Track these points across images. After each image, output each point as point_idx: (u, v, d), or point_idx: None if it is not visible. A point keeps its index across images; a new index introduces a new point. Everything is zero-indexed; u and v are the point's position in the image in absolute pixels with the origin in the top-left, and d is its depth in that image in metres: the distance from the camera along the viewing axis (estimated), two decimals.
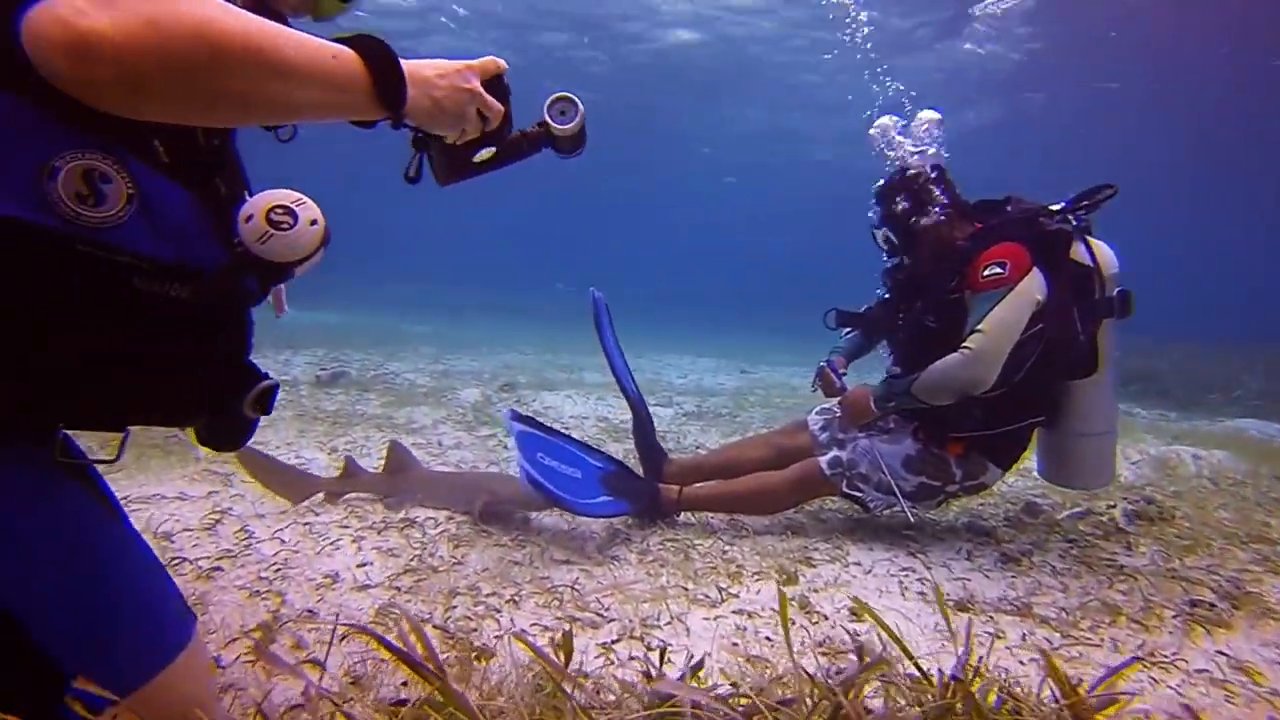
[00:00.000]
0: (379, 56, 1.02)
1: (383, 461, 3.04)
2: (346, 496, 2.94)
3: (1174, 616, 2.15)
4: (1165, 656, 1.89)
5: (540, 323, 15.06)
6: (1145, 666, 1.84)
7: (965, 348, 2.49)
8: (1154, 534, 2.90)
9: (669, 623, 1.97)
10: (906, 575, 2.42)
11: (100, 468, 1.18)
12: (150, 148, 1.03)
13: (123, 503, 2.59)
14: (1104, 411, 2.75)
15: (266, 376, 1.21)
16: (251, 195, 1.13)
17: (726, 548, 2.63)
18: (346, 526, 2.60)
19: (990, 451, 2.74)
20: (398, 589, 2.12)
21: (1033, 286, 2.51)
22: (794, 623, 2.01)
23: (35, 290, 0.94)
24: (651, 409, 3.52)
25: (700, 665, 1.51)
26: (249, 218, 1.06)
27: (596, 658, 1.78)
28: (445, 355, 8.42)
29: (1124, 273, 2.71)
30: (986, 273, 2.53)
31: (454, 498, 2.89)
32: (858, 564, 2.50)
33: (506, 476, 3.13)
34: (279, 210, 1.07)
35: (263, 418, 1.23)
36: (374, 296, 19.33)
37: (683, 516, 2.95)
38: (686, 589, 2.23)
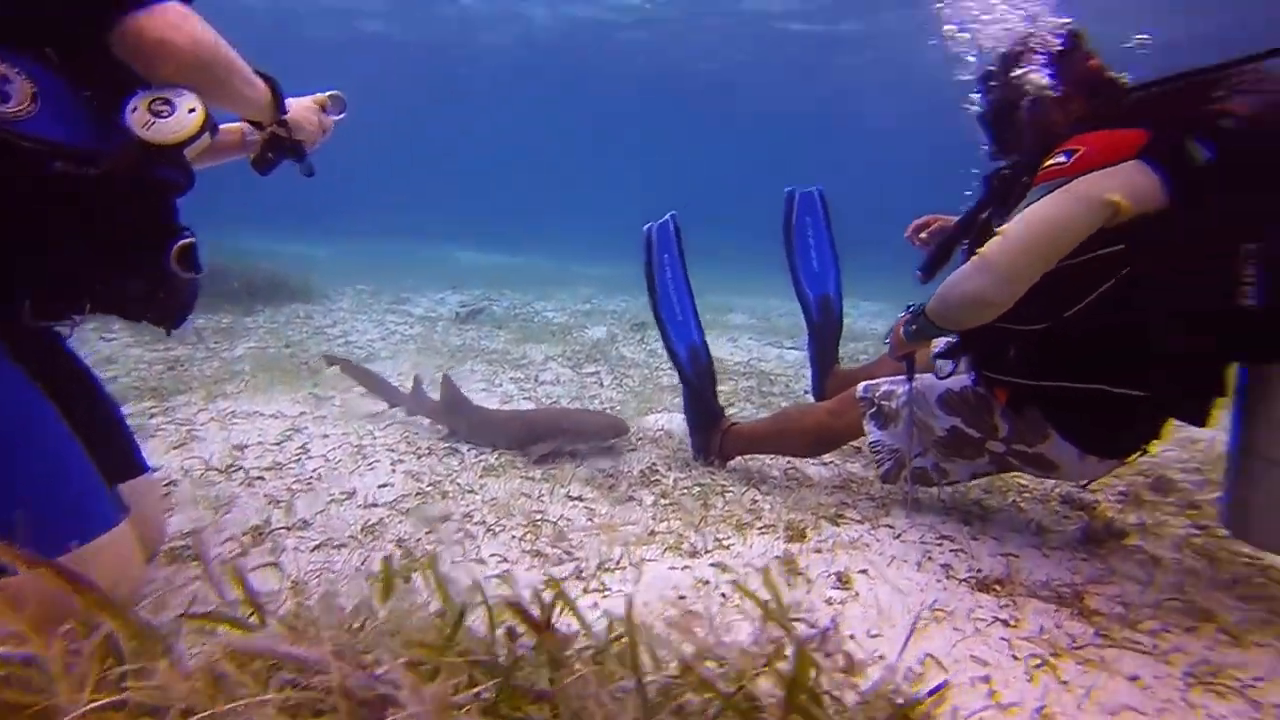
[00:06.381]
0: (275, 83, 1.60)
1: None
2: (410, 420, 3.14)
3: None
4: (1238, 679, 1.46)
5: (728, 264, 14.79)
6: (1202, 687, 1.44)
7: (976, 253, 1.85)
8: None
9: (626, 568, 1.88)
10: (940, 545, 2.08)
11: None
12: (44, 55, 1.26)
13: (227, 416, 3.01)
14: None
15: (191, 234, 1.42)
16: None
17: (759, 497, 2.44)
18: (393, 450, 2.77)
19: (1049, 410, 2.02)
20: (397, 510, 2.23)
21: (1103, 186, 1.68)
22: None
23: None
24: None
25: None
26: (134, 109, 1.29)
27: None
28: (598, 295, 8.62)
29: None
30: (1050, 162, 1.80)
31: (499, 440, 2.92)
32: (889, 526, 2.20)
33: (562, 411, 3.14)
34: (159, 101, 1.30)
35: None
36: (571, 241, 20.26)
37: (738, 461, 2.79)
38: (682, 535, 2.10)
